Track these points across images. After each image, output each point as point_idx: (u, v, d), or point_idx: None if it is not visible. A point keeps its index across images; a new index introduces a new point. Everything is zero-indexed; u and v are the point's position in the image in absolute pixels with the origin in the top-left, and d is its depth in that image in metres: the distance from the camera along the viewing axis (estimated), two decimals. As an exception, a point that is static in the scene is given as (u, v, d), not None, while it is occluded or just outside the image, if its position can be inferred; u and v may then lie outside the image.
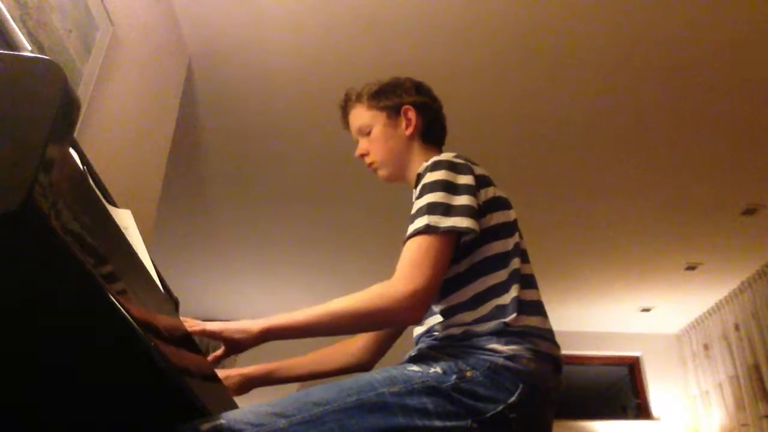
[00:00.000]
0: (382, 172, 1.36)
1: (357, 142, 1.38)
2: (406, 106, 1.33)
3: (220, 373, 1.33)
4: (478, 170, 1.18)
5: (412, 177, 1.24)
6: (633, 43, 2.53)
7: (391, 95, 1.35)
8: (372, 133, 1.34)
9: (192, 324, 1.06)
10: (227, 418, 0.85)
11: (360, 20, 2.43)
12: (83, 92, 1.61)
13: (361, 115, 1.36)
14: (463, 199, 1.08)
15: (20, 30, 1.25)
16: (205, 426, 0.83)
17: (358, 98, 1.37)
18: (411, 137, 1.33)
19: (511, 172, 3.37)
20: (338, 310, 1.03)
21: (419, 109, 1.34)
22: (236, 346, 1.09)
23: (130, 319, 0.58)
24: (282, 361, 1.38)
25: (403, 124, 1.33)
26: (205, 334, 1.08)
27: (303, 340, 1.07)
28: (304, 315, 1.05)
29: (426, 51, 2.57)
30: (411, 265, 1.02)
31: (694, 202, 3.63)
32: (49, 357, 0.67)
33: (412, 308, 1.00)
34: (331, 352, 1.40)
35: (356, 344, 1.39)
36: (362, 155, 1.37)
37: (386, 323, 1.04)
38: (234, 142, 3.15)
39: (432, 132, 1.36)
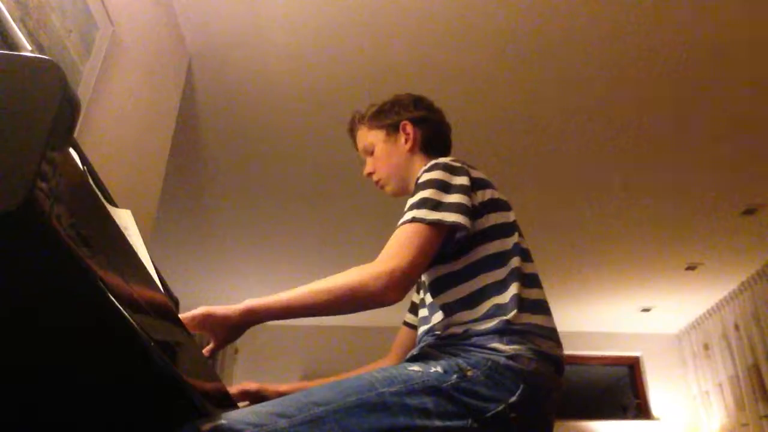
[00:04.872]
0: (388, 188, 1.42)
1: (365, 161, 1.45)
2: (404, 122, 1.39)
3: (255, 388, 1.36)
4: (476, 173, 1.20)
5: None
6: (632, 42, 2.53)
7: (390, 113, 1.41)
8: (375, 151, 1.41)
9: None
10: (228, 418, 0.85)
11: (359, 21, 2.43)
12: (83, 92, 1.61)
13: (364, 136, 1.44)
14: (454, 197, 1.10)
15: (20, 30, 1.25)
16: (206, 426, 0.83)
17: (361, 120, 1.45)
18: (411, 151, 1.38)
19: (510, 173, 3.37)
20: (319, 287, 1.04)
21: (418, 123, 1.39)
22: (223, 327, 1.08)
23: (130, 319, 0.58)
24: (317, 380, 1.40)
25: (403, 139, 1.39)
26: (195, 320, 1.06)
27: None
28: (285, 294, 1.06)
29: (425, 51, 2.57)
30: (392, 247, 1.05)
31: (694, 202, 3.63)
32: (48, 357, 0.67)
33: (390, 286, 1.01)
34: (367, 371, 1.40)
35: (392, 362, 1.42)
36: (369, 174, 1.43)
37: (365, 299, 1.03)
38: (234, 142, 3.15)
39: (433, 144, 1.40)
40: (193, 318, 1.06)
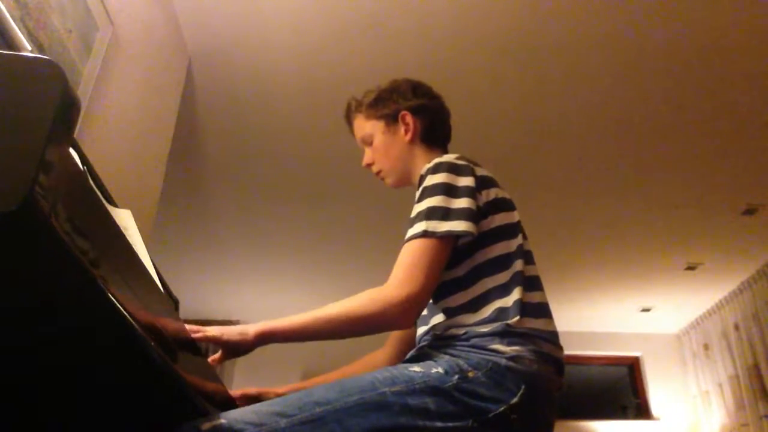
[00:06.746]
0: (389, 180, 1.38)
1: (363, 151, 1.41)
2: (404, 112, 1.34)
3: (255, 392, 1.36)
4: (480, 171, 1.18)
5: (417, 180, 1.25)
6: (632, 42, 2.53)
7: (388, 102, 1.36)
8: (374, 142, 1.37)
9: (193, 329, 1.08)
10: (228, 417, 0.85)
11: (360, 21, 2.43)
12: (83, 92, 1.61)
13: (362, 126, 1.39)
14: (462, 202, 1.09)
15: (20, 30, 1.25)
16: (206, 426, 0.83)
17: (358, 108, 1.40)
18: (412, 141, 1.34)
19: (510, 172, 3.36)
20: (333, 313, 1.05)
21: (417, 112, 1.35)
22: (235, 349, 1.12)
23: (130, 319, 0.58)
24: (311, 379, 1.39)
25: (402, 130, 1.35)
26: (206, 339, 1.10)
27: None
28: (299, 318, 1.07)
29: (426, 51, 2.57)
30: (405, 269, 1.04)
31: (694, 202, 3.62)
32: (49, 357, 0.67)
33: (404, 312, 1.02)
34: (357, 368, 1.39)
35: (380, 358, 1.41)
36: (368, 165, 1.39)
37: (379, 327, 1.06)
38: (234, 142, 3.15)
39: (434, 133, 1.37)
40: (205, 337, 1.10)
